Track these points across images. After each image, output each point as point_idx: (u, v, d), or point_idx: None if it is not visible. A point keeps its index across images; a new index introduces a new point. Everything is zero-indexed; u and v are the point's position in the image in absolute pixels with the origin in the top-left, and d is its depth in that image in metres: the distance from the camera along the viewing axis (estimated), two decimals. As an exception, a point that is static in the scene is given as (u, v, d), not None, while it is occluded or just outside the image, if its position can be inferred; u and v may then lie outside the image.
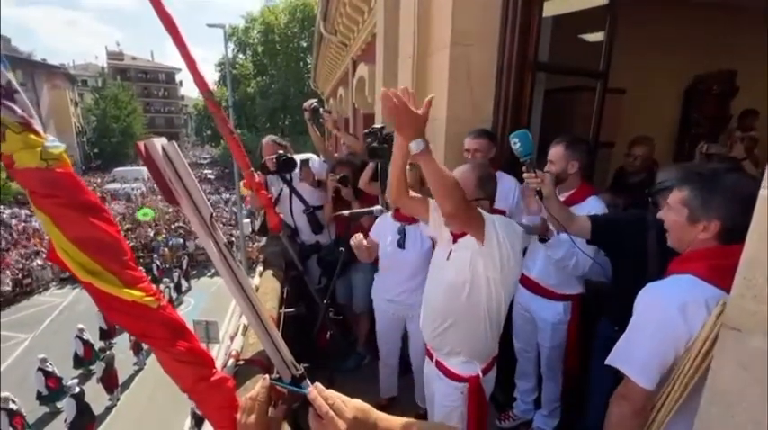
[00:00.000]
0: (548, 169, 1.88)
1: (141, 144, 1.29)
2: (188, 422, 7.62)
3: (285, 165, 2.87)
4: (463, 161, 2.10)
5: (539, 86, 2.51)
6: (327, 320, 2.06)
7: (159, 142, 1.33)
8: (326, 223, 2.96)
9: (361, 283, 2.75)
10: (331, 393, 0.69)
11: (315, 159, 3.10)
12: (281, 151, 2.88)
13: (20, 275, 14.20)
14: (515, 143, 1.58)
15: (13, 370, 9.70)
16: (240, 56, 30.76)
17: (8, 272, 13.99)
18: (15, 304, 13.29)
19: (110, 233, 0.74)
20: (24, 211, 21.41)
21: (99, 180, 30.03)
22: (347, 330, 2.89)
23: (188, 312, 12.26)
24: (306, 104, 3.04)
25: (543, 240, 1.87)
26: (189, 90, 61.36)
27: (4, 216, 20.32)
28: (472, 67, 2.31)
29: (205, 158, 45.92)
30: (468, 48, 2.27)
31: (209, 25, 12.16)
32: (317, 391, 0.69)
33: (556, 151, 1.91)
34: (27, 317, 12.55)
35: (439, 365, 1.63)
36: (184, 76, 58.25)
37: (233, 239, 15.29)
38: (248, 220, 18.12)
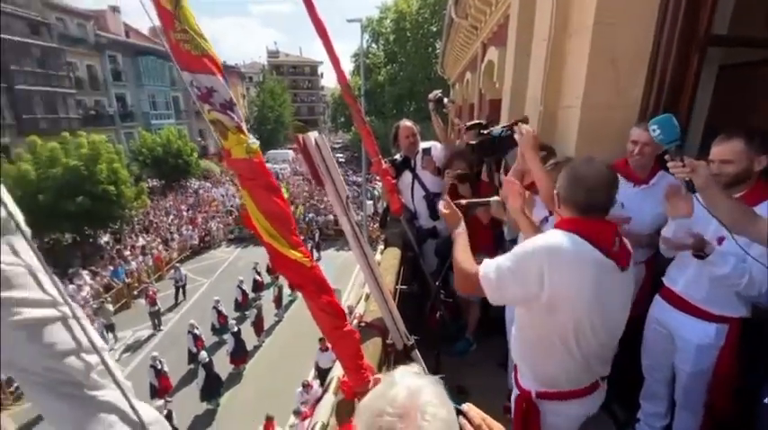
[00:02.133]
0: (718, 171, 1.57)
1: (300, 137, 1.59)
2: (312, 372, 8.88)
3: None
4: (606, 153, 1.94)
5: (710, 65, 2.10)
6: (439, 301, 2.19)
7: (313, 136, 1.62)
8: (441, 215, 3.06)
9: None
10: (480, 412, 0.77)
11: (438, 147, 3.21)
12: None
13: (203, 233, 18.32)
14: (654, 130, 1.37)
15: (197, 306, 12.74)
16: (373, 46, 32.60)
17: (196, 230, 18.16)
18: (199, 255, 17.24)
19: (284, 208, 0.99)
20: (207, 184, 27.30)
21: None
22: (457, 315, 2.98)
23: (317, 279, 14.06)
24: (430, 95, 3.15)
25: (700, 256, 1.57)
26: (327, 81, 67.75)
27: (195, 186, 26.33)
28: (617, 48, 2.07)
29: (338, 143, 50.48)
30: (613, 27, 2.03)
31: (349, 20, 13.19)
32: (469, 406, 0.77)
33: (732, 147, 1.57)
34: (206, 266, 16.18)
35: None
36: (325, 69, 64.31)
37: (358, 218, 16.72)
38: (371, 202, 19.51)
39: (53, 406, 0.50)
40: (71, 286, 12.00)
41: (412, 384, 0.63)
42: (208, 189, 26.12)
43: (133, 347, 10.84)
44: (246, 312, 11.56)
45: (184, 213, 20.47)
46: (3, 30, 20.03)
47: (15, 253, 0.52)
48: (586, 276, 1.20)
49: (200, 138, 34.44)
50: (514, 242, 1.71)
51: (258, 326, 10.77)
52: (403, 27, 29.40)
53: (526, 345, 1.45)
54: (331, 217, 19.16)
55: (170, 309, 12.61)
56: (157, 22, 0.86)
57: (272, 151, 34.08)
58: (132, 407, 0.57)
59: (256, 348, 10.66)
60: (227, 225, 19.57)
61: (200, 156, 28.33)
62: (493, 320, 2.60)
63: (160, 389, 8.10)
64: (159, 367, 8.21)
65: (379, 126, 22.05)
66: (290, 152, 36.49)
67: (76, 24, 26.04)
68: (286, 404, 7.62)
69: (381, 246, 2.89)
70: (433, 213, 3.11)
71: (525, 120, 1.99)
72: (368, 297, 1.92)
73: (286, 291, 12.18)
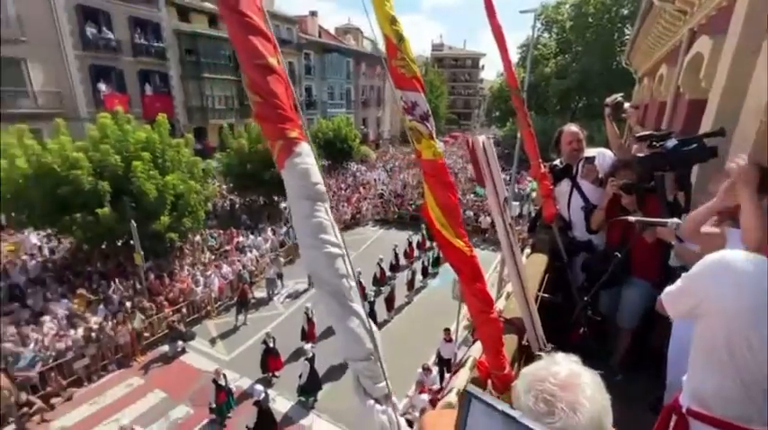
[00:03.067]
0: None
1: (470, 139, 1.77)
2: (433, 358, 9.25)
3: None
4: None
5: None
6: (584, 317, 2.09)
7: (481, 138, 1.78)
8: (595, 227, 2.79)
9: (632, 298, 2.52)
10: None
11: (606, 155, 2.94)
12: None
13: (354, 211, 20.69)
14: None
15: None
16: (544, 35, 30.05)
17: (349, 208, 20.62)
18: (350, 230, 19.60)
19: (455, 203, 1.19)
20: (363, 167, 30.42)
21: (408, 149, 38.38)
22: (603, 338, 2.74)
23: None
24: (608, 100, 2.89)
25: None
26: (487, 73, 65.81)
27: (354, 169, 29.71)
28: None
29: (490, 138, 49.01)
30: None
31: (522, 11, 12.54)
32: None
33: None
34: (353, 240, 18.32)
35: None
36: (486, 61, 62.52)
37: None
38: (517, 203, 18.50)
39: (332, 304, 0.83)
40: (260, 238, 15.32)
41: (574, 367, 0.71)
42: (363, 172, 29.11)
43: (292, 295, 13.23)
44: (382, 288, 12.69)
45: (342, 192, 23.41)
46: (240, 36, 26.05)
47: (326, 211, 0.85)
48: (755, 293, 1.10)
49: (363, 127, 38.27)
50: (684, 269, 1.52)
51: (390, 302, 11.72)
52: (585, 12, 26.13)
53: (687, 357, 1.35)
54: (470, 213, 19.01)
55: (322, 271, 14.84)
56: (382, 49, 1.15)
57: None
58: (363, 315, 0.87)
59: (385, 322, 11.63)
60: (375, 206, 21.55)
61: (361, 142, 31.63)
62: (646, 354, 2.32)
63: (309, 333, 9.75)
64: (310, 316, 9.88)
65: (538, 123, 20.43)
66: (441, 145, 37.25)
67: (286, 29, 31.95)
68: (406, 379, 8.19)
69: (528, 250, 2.87)
70: (590, 226, 2.89)
71: (722, 133, 1.70)
72: (509, 295, 2.00)
73: (418, 276, 12.84)
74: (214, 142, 25.45)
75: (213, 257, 13.62)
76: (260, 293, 13.06)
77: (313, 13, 35.84)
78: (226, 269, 12.66)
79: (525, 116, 2.60)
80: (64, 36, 18.19)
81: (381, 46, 1.16)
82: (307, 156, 0.81)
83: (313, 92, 36.19)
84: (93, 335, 9.10)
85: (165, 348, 10.08)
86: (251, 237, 15.29)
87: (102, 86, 19.88)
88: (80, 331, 9.11)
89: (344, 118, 29.65)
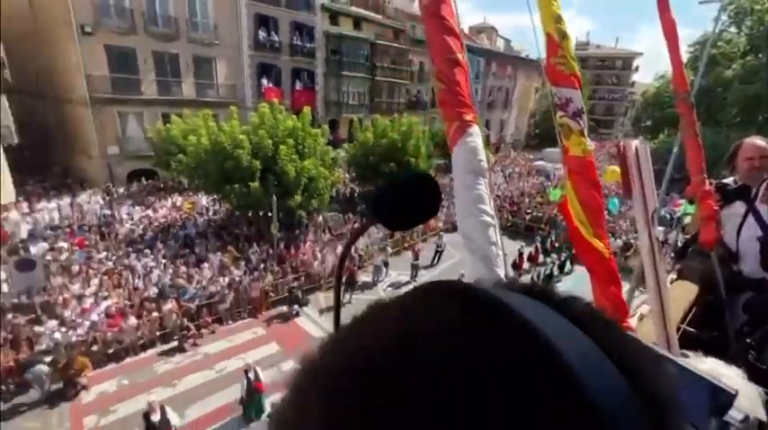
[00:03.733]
0: None
1: (621, 143, 1.68)
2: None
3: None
4: None
5: None
6: (744, 362, 1.76)
7: (634, 143, 1.66)
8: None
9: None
10: None
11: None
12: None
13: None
14: None
15: (445, 272, 14.65)
16: (730, 30, 24.48)
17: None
18: (457, 231, 19.47)
19: (600, 202, 1.17)
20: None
21: (531, 156, 35.80)
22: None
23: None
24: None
25: None
26: (642, 76, 56.79)
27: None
28: None
29: (644, 143, 42.48)
30: None
31: (702, 2, 10.49)
32: None
33: None
34: (460, 242, 18.14)
35: None
36: (641, 62, 53.98)
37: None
38: (662, 229, 15.70)
39: (480, 268, 0.95)
40: (373, 227, 16.35)
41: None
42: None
43: (395, 285, 13.81)
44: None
45: (455, 192, 23.23)
46: (378, 36, 27.89)
47: (486, 185, 0.98)
48: None
49: (486, 128, 37.15)
50: None
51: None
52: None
53: None
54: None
55: (426, 267, 15.08)
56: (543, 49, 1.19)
57: (548, 149, 32.66)
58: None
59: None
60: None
61: (483, 144, 30.76)
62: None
63: (406, 324, 10.10)
64: (409, 308, 10.20)
65: (707, 135, 16.87)
66: (592, 143, 33.86)
67: (422, 29, 32.87)
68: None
69: (672, 276, 2.50)
70: (767, 262, 2.36)
71: None
72: (642, 318, 1.81)
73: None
74: (344, 134, 27.88)
75: (330, 237, 15.06)
76: (365, 278, 13.97)
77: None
78: (340, 250, 13.90)
79: (693, 125, 2.26)
80: (243, 39, 22.09)
81: (541, 44, 1.20)
82: (476, 137, 0.93)
83: (439, 91, 36.52)
84: (234, 285, 11.07)
85: (284, 309, 11.63)
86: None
87: (264, 81, 23.59)
88: (226, 280, 11.17)
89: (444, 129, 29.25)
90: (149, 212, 15.90)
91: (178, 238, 13.59)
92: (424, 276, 14.51)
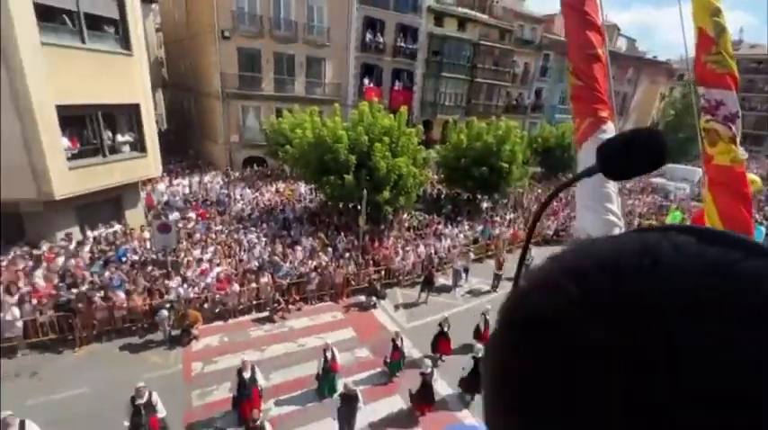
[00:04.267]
0: None
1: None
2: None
3: None
4: None
5: None
6: None
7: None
8: None
9: None
10: None
11: None
12: None
13: (560, 227, 18.78)
14: None
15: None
16: None
17: (555, 222, 18.83)
18: (550, 245, 18.01)
19: (747, 219, 1.02)
20: (582, 182, 26.96)
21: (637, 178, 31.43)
22: None
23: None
24: None
25: None
26: (816, 82, 45.75)
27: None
28: None
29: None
30: None
31: None
32: None
33: None
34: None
35: None
36: (819, 64, 43.57)
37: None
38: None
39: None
40: (456, 230, 16.09)
41: None
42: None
43: (473, 292, 13.41)
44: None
45: (553, 204, 21.58)
46: (482, 36, 27.16)
47: (615, 185, 0.95)
48: None
49: (593, 137, 33.54)
50: None
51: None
52: None
53: None
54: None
55: (509, 279, 14.33)
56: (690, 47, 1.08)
57: (673, 165, 28.29)
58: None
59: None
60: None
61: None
62: None
63: (483, 334, 9.77)
64: (488, 317, 9.84)
65: None
66: (698, 171, 28.83)
67: (530, 28, 31.07)
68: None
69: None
70: None
71: None
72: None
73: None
74: (436, 135, 27.82)
75: (413, 236, 15.23)
76: (444, 280, 13.84)
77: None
78: (421, 249, 13.98)
79: None
80: (351, 41, 23.43)
81: (690, 40, 1.09)
82: (611, 133, 0.90)
83: (543, 94, 34.19)
84: (321, 269, 11.90)
85: (362, 298, 12.13)
86: (449, 227, 16.23)
87: (366, 81, 24.72)
88: (314, 263, 12.07)
89: (572, 125, 26.83)
90: (257, 195, 17.93)
91: (278, 220, 15.09)
92: (506, 288, 13.81)
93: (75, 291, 9.24)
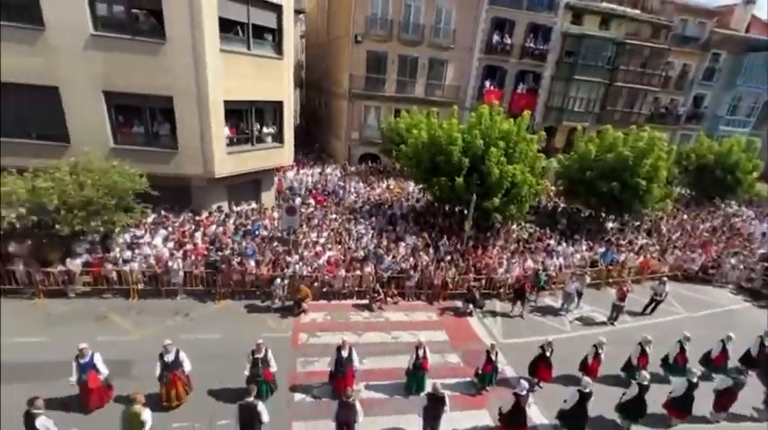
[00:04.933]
0: None
1: None
2: None
3: None
4: None
5: None
6: None
7: None
8: None
9: None
10: None
11: None
12: None
13: (709, 264, 15.42)
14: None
15: (661, 329, 11.68)
16: None
17: (702, 256, 15.53)
18: (692, 283, 15.02)
19: None
20: (750, 212, 21.72)
21: None
22: None
23: None
24: None
25: None
26: None
27: (732, 210, 21.88)
28: None
29: None
30: None
31: None
32: None
33: None
34: (691, 298, 13.96)
35: None
36: None
37: None
38: None
39: None
40: (571, 248, 14.60)
41: None
42: (746, 218, 20.86)
43: (584, 321, 12.00)
44: (714, 374, 9.28)
45: (703, 233, 17.95)
46: (629, 35, 23.89)
47: None
48: None
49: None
50: None
51: (723, 398, 8.38)
52: None
53: None
54: None
55: (632, 314, 12.44)
56: None
57: None
58: None
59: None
60: (747, 269, 15.23)
61: (759, 177, 22.44)
62: None
63: (590, 367, 8.70)
64: (599, 351, 8.70)
65: None
66: None
67: (697, 23, 26.15)
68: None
69: None
70: None
71: None
72: None
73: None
74: (560, 143, 25.57)
75: (521, 249, 14.33)
76: (551, 302, 12.72)
77: (749, 1, 27.15)
78: (529, 263, 13.07)
79: None
80: (476, 43, 23.02)
81: None
82: None
83: (704, 102, 28.58)
84: (421, 268, 12.07)
85: (459, 304, 11.93)
86: (563, 244, 14.80)
87: (487, 83, 24.02)
88: (415, 261, 12.31)
89: (741, 140, 21.72)
90: (369, 190, 19.04)
91: (385, 216, 15.80)
92: (627, 323, 12.04)
93: (220, 254, 11.20)
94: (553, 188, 20.23)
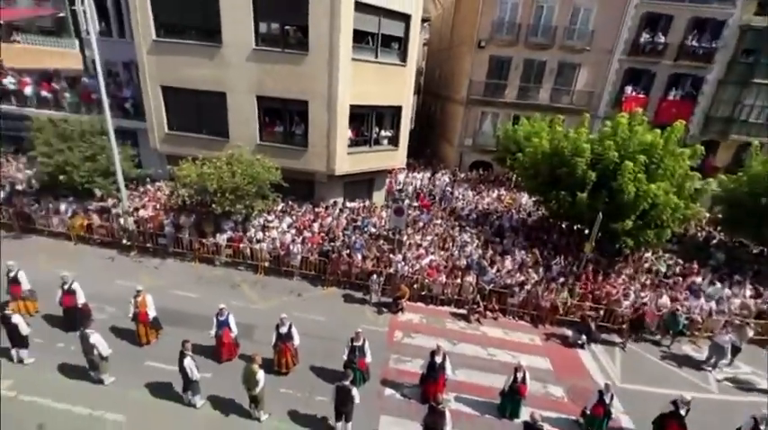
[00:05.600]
0: None
1: None
2: None
3: None
4: None
5: None
6: None
7: None
8: None
9: None
10: None
11: None
12: None
13: None
14: None
15: None
16: None
17: None
18: None
19: None
20: None
21: None
22: None
23: None
24: None
25: None
26: None
27: None
28: None
29: None
30: None
31: None
32: None
33: None
34: None
35: None
36: None
37: None
38: None
39: None
40: (728, 290, 11.82)
41: None
42: None
43: (739, 383, 9.59)
44: None
45: None
46: None
47: None
48: None
49: None
50: None
51: None
52: None
53: None
54: None
55: (816, 387, 9.47)
56: None
57: None
58: None
59: None
60: None
61: None
62: None
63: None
64: (759, 427, 6.85)
65: None
66: None
67: None
68: None
69: None
70: None
71: None
72: None
73: None
74: (722, 161, 21.02)
75: (655, 282, 12.17)
76: (693, 352, 10.53)
77: None
78: (664, 300, 11.02)
79: None
80: (618, 43, 20.40)
81: None
82: None
83: None
84: (527, 286, 11.21)
85: (568, 333, 10.71)
86: (716, 284, 12.06)
87: (628, 89, 21.06)
88: (521, 278, 11.49)
89: None
90: (478, 198, 18.48)
91: (493, 226, 15.13)
92: (808, 398, 9.20)
93: (332, 244, 12.21)
94: (708, 215, 16.67)
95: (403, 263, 11.78)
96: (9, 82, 16.61)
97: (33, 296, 9.33)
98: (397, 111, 15.13)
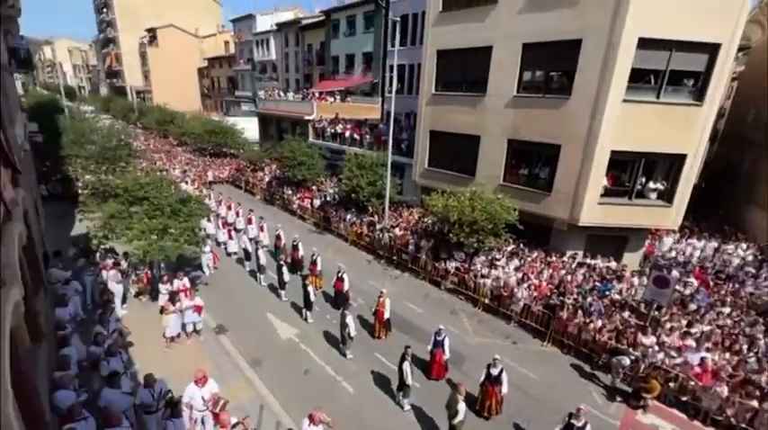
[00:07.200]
0: None
1: None
2: None
3: None
4: None
5: None
6: None
7: None
8: None
9: None
10: None
11: None
12: None
13: None
14: None
15: None
16: None
17: None
18: None
19: None
20: None
21: None
22: None
23: None
24: None
25: None
26: None
27: None
28: None
29: None
30: None
31: None
32: None
33: None
34: None
35: None
36: None
37: None
38: None
39: None
40: None
41: None
42: None
43: None
44: None
45: None
46: None
47: None
48: None
49: None
50: None
51: None
52: None
53: None
54: None
55: None
56: None
57: None
58: None
59: None
60: None
61: None
62: None
63: None
64: None
65: None
66: None
67: None
68: None
69: None
70: None
71: None
72: None
73: None
74: None
75: None
76: None
77: None
78: None
79: None
80: None
81: None
82: None
83: None
84: None
85: None
86: None
87: None
88: None
89: None
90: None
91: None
92: None
93: (561, 299, 10.95)
94: None
95: (657, 348, 9.20)
96: (339, 128, 24.19)
97: (321, 276, 12.95)
98: (677, 160, 12.24)
